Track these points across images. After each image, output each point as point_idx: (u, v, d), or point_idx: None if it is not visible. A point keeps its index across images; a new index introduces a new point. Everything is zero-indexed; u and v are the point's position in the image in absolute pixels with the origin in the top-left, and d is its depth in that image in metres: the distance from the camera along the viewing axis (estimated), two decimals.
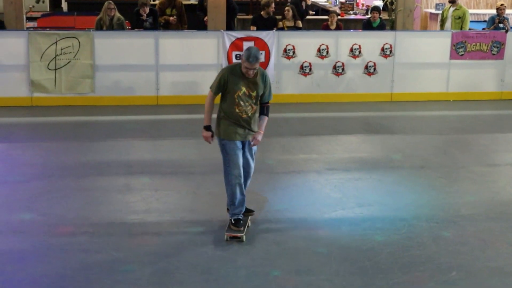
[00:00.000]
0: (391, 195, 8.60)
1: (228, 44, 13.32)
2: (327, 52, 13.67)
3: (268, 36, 13.45)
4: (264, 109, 7.13)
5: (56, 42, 12.90)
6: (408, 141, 11.19)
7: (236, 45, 13.35)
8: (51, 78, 12.95)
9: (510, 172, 9.85)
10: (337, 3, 20.79)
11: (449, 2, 15.06)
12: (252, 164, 7.30)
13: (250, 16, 16.15)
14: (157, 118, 12.43)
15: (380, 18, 14.54)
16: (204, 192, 8.62)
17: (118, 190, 8.67)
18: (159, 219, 7.74)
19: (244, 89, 6.86)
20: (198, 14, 15.27)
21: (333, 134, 11.57)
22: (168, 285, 6.19)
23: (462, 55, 14.00)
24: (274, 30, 13.65)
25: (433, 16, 19.53)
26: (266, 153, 10.30)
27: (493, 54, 14.09)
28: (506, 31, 14.13)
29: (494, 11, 15.37)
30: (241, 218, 7.19)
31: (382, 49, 13.77)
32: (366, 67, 13.79)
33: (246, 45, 13.29)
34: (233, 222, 7.15)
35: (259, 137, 7.08)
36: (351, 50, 13.72)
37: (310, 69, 13.68)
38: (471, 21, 15.48)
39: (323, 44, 13.64)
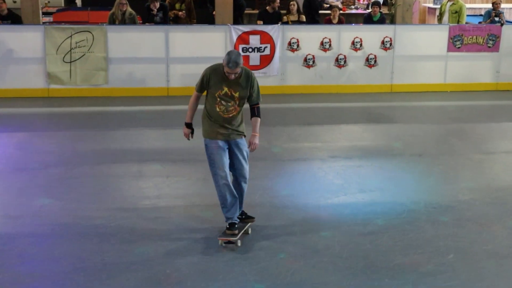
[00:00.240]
0: (391, 181, 8.60)
1: (235, 37, 13.32)
2: (330, 45, 13.66)
3: (273, 30, 13.44)
4: (254, 111, 6.79)
5: (71, 36, 12.90)
6: (408, 130, 11.19)
7: (242, 38, 13.33)
8: (66, 71, 12.98)
9: (505, 159, 9.84)
10: None
11: None
12: (245, 165, 6.76)
13: (256, 11, 16.13)
14: (168, 108, 12.44)
15: (381, 12, 14.51)
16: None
17: (131, 176, 8.70)
18: (171, 204, 7.77)
19: (226, 89, 6.54)
20: (208, 7, 15.28)
21: (335, 124, 11.57)
22: (181, 266, 6.21)
23: (459, 47, 13.95)
24: (279, 24, 13.63)
25: (431, 10, 19.47)
26: (272, 141, 10.32)
27: (489, 47, 14.04)
28: (502, 24, 14.09)
29: (490, 6, 15.30)
30: (235, 221, 6.73)
31: (382, 42, 13.74)
32: (367, 60, 13.77)
33: (253, 38, 13.31)
34: (228, 226, 6.69)
35: (256, 140, 6.76)
36: (353, 43, 13.69)
37: (313, 62, 13.67)
38: (467, 15, 15.41)
39: (326, 38, 13.62)
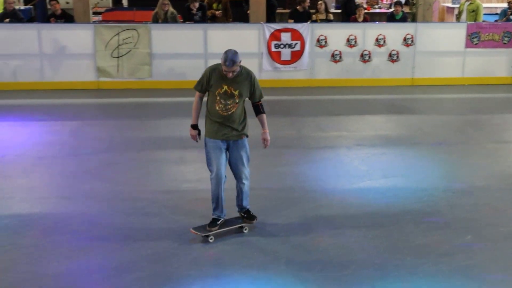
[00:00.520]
0: (412, 168, 8.53)
1: (268, 35, 13.28)
2: (355, 42, 13.55)
3: (303, 28, 13.37)
4: (259, 108, 6.39)
5: (118, 34, 12.98)
6: (427, 120, 11.07)
7: (275, 35, 13.29)
8: (114, 65, 13.07)
9: None
10: None
11: None
12: (242, 168, 6.31)
13: (287, 10, 16.07)
14: (206, 99, 12.43)
15: (403, 11, 14.39)
16: None
17: (173, 162, 8.74)
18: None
19: (225, 87, 6.15)
20: (243, 6, 15.26)
21: (360, 114, 11.49)
22: (218, 244, 6.23)
23: (476, 44, 13.74)
24: (308, 23, 13.56)
25: (449, 9, 19.20)
26: (301, 130, 10.30)
27: (504, 43, 13.80)
28: None
29: (505, 5, 15.05)
30: (217, 218, 6.35)
31: (404, 39, 13.59)
32: (390, 55, 13.64)
33: (284, 35, 13.27)
34: (210, 221, 6.35)
35: (268, 136, 6.38)
36: (377, 40, 13.57)
37: (340, 57, 13.58)
38: (484, 14, 15.20)
39: (351, 35, 13.52)
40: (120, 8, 18.24)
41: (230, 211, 6.61)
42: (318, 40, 13.48)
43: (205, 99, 6.46)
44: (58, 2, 13.42)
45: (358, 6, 14.40)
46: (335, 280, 5.59)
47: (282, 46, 13.37)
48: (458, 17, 15.19)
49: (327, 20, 14.19)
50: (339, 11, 16.73)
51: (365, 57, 13.64)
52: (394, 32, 13.64)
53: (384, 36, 13.56)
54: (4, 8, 13.71)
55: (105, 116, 11.31)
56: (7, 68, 13.02)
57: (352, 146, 9.45)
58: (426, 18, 14.45)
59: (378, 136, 10.01)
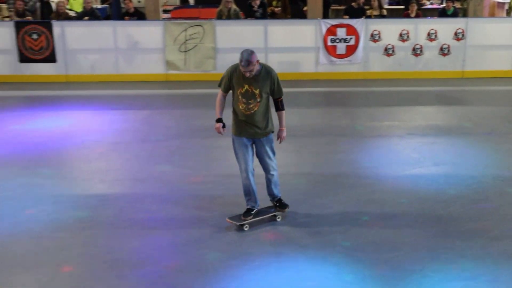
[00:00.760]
0: (462, 157, 8.36)
1: (324, 30, 13.18)
2: (408, 36, 13.32)
3: (358, 23, 13.22)
4: (278, 104, 6.13)
5: (185, 30, 13.12)
6: (477, 111, 10.80)
7: (331, 31, 13.18)
8: (181, 59, 13.22)
9: None
10: None
11: None
12: (269, 161, 6.18)
13: (343, 7, 15.91)
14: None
15: (454, 7, 14.04)
16: (305, 151, 8.64)
17: None
18: None
19: (246, 86, 5.94)
20: (299, 4, 15.17)
21: (412, 105, 11.31)
22: (278, 224, 6.27)
23: None
24: (363, 18, 13.39)
25: (500, 4, 18.60)
26: (356, 120, 10.21)
27: None
28: None
29: None
30: (251, 208, 6.26)
31: (455, 33, 13.27)
32: (441, 49, 13.36)
33: (340, 31, 13.15)
34: (244, 211, 6.27)
35: (284, 134, 6.21)
36: (428, 34, 13.30)
37: (393, 51, 13.37)
38: None
39: (404, 30, 13.29)
40: (187, 6, 18.39)
41: (264, 201, 6.56)
42: (372, 35, 13.31)
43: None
44: (131, 1, 13.63)
45: (411, 2, 14.14)
46: (387, 261, 5.55)
47: (337, 40, 13.25)
48: (508, 12, 14.74)
49: (381, 16, 14.00)
50: (392, 7, 16.49)
51: (417, 51, 13.40)
52: (445, 27, 13.34)
53: (435, 30, 13.28)
54: (83, 7, 14.04)
55: (173, 105, 11.47)
56: (86, 62, 13.33)
57: (404, 135, 9.32)
58: (477, 13, 14.09)
59: (429, 126, 9.83)
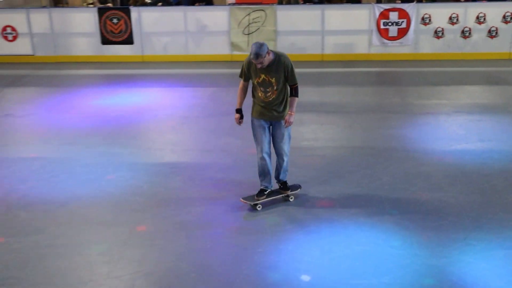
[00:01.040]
0: (507, 133, 8.06)
1: (377, 14, 12.88)
2: (457, 20, 12.86)
3: (409, 7, 12.84)
4: (292, 91, 5.78)
5: (249, 14, 13.07)
6: None
7: (384, 14, 12.87)
8: (245, 41, 13.21)
9: None
10: None
11: None
12: (282, 145, 5.91)
13: None
14: (322, 71, 12.35)
15: None
16: (357, 126, 8.52)
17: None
18: (324, 145, 7.77)
19: (263, 76, 5.67)
20: None
21: (459, 85, 10.96)
22: (331, 194, 6.25)
23: None
24: (414, 2, 12.99)
25: None
26: (405, 98, 9.99)
27: None
28: None
29: None
30: (264, 188, 6.02)
31: (504, 16, 12.74)
32: (489, 31, 12.85)
33: (392, 14, 12.82)
34: (258, 191, 6.04)
35: (291, 119, 5.77)
36: (477, 17, 12.81)
37: (442, 33, 12.96)
38: None
39: (454, 13, 12.84)
40: None
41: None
42: (422, 18, 12.92)
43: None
44: None
45: None
46: (433, 229, 5.45)
47: (390, 24, 12.93)
48: None
49: (432, 0, 13.54)
50: None
51: (465, 33, 12.93)
52: (494, 10, 12.81)
53: (484, 14, 12.77)
54: None
55: (237, 84, 11.33)
56: (159, 44, 13.50)
57: (451, 113, 9.06)
58: None
59: (476, 104, 9.52)
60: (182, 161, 7.28)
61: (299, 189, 6.21)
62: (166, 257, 5.09)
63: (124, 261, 5.04)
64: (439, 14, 12.91)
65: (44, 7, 14.86)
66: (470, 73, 11.89)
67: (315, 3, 13.44)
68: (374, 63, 12.80)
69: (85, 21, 13.46)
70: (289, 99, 5.80)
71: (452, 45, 13.04)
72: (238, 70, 6.07)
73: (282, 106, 5.80)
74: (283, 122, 5.80)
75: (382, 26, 12.93)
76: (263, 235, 5.42)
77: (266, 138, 5.87)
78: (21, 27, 13.51)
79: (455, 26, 12.91)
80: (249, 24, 13.10)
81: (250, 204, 5.95)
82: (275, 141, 5.92)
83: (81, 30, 13.48)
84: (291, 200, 6.12)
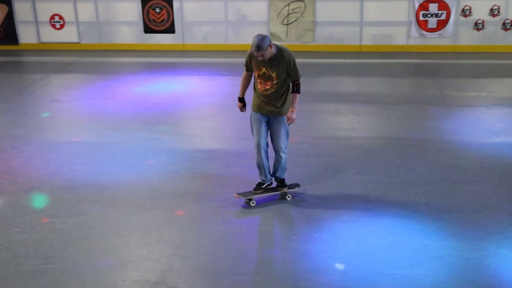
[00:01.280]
0: None
1: (417, 5, 12.59)
2: (498, 12, 12.48)
3: None
4: (294, 87, 5.58)
5: (288, 5, 12.96)
6: None
7: (423, 6, 12.58)
8: (284, 31, 13.12)
9: None
10: None
11: None
12: (279, 141, 5.70)
13: None
14: (360, 61, 12.18)
15: None
16: (394, 117, 8.37)
17: (330, 113, 8.68)
18: (360, 135, 7.67)
19: (264, 69, 5.50)
20: None
21: (499, 77, 10.65)
22: (368, 184, 6.16)
23: None
24: None
25: None
26: (443, 90, 9.77)
27: None
28: None
29: None
30: (261, 182, 5.85)
31: None
32: None
33: (432, 6, 12.53)
34: (255, 185, 5.87)
35: (294, 116, 5.57)
36: None
37: (482, 25, 12.60)
38: None
39: (495, 5, 12.46)
40: None
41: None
42: (463, 10, 12.58)
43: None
44: None
45: None
46: (469, 222, 5.32)
47: (429, 15, 12.63)
48: None
49: None
50: None
51: (506, 26, 12.54)
52: None
53: None
54: None
55: None
56: (200, 33, 13.53)
57: (490, 106, 8.81)
58: None
59: None
60: (219, 148, 7.28)
61: (297, 188, 5.99)
62: (203, 241, 5.11)
63: (163, 244, 5.08)
64: (480, 6, 12.54)
65: None
66: (510, 66, 11.54)
67: None
68: (412, 55, 12.54)
69: (129, 10, 13.58)
70: (290, 95, 5.61)
71: (492, 37, 12.67)
72: None
73: (281, 101, 5.60)
74: (281, 118, 5.62)
75: (421, 18, 12.65)
76: (299, 223, 5.39)
77: (262, 133, 5.69)
78: (68, 16, 13.73)
79: (496, 18, 12.53)
80: (288, 14, 13.00)
81: (245, 199, 5.74)
82: (273, 136, 5.75)
83: (125, 19, 13.62)
84: (288, 198, 5.86)
